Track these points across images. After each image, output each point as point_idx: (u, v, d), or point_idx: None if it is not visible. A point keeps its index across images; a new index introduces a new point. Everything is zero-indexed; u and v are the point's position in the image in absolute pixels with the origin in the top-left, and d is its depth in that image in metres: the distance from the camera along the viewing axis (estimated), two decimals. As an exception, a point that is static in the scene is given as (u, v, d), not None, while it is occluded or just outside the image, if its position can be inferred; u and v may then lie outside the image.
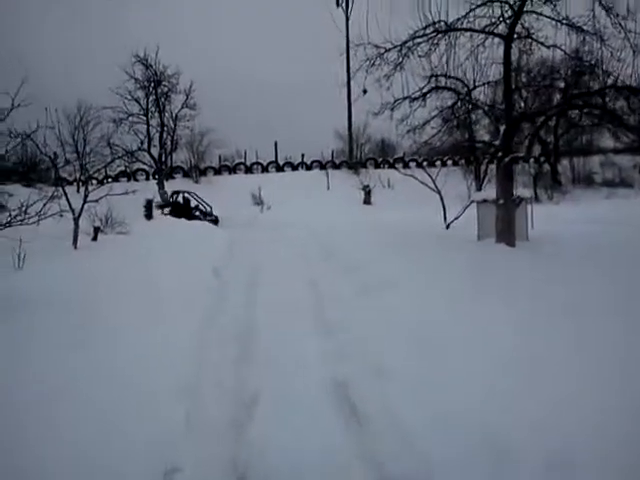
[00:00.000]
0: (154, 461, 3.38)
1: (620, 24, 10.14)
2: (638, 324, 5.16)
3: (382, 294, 6.83)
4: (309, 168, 34.04)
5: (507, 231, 10.69)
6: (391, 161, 32.62)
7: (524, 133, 14.94)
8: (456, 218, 14.97)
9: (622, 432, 3.41)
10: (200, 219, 20.69)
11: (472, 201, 13.51)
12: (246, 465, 3.45)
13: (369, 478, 3.30)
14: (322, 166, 33.38)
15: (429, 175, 17.73)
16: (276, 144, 34.03)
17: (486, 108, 12.32)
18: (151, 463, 3.36)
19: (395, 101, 12.00)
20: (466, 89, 12.16)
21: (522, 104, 16.75)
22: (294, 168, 34.11)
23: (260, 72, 39.76)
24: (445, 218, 16.08)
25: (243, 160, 34.08)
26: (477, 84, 12.13)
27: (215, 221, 20.64)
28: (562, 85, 14.81)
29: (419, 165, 27.79)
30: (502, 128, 11.17)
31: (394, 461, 3.39)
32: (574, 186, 29.24)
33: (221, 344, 5.62)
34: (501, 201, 10.89)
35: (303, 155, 34.18)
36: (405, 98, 11.96)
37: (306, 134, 34.63)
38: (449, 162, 31.17)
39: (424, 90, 11.94)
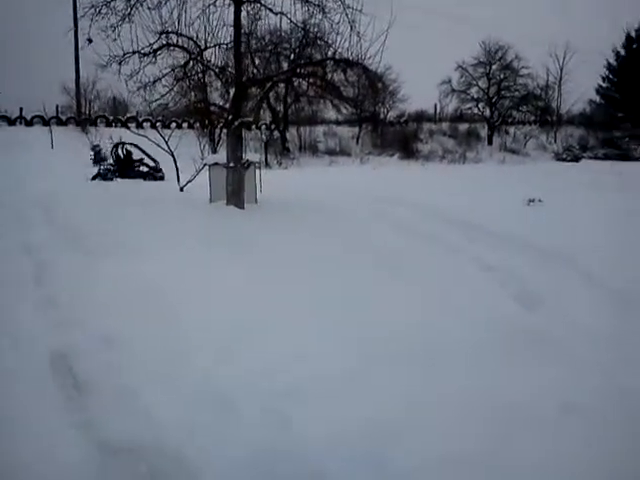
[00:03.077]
0: None
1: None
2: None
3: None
4: (29, 124, 30.47)
5: (237, 194, 11.02)
6: (123, 120, 30.98)
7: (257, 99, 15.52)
8: (189, 181, 14.92)
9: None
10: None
11: (205, 164, 13.54)
12: None
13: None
14: (45, 122, 30.16)
15: (162, 136, 17.25)
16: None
17: (217, 70, 12.38)
18: None
19: (124, 55, 11.34)
20: (198, 49, 12.03)
21: (254, 70, 17.30)
22: (11, 123, 30.19)
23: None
24: (178, 180, 15.89)
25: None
26: (209, 45, 12.10)
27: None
28: (290, 54, 15.68)
29: (153, 126, 26.87)
30: (232, 92, 11.39)
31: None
32: (301, 153, 31.42)
33: None
34: (231, 164, 11.14)
35: (22, 109, 30.40)
36: (134, 52, 11.33)
37: (27, 87, 30.88)
38: (184, 125, 30.85)
39: (154, 46, 11.48)
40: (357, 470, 2.91)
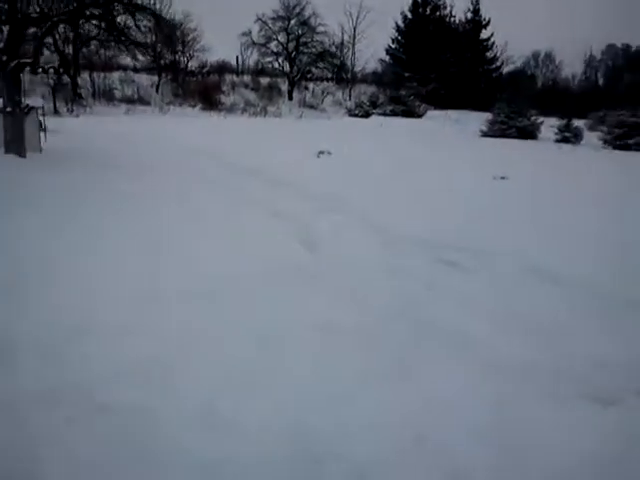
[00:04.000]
0: None
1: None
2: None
3: None
4: None
5: (17, 141, 10.32)
6: None
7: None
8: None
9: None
10: None
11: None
12: None
13: None
14: None
15: None
16: None
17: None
18: None
19: None
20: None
21: (36, 8, 15.83)
22: None
23: None
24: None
25: None
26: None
27: None
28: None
29: None
30: (6, 29, 10.49)
31: None
32: (95, 100, 29.58)
33: None
34: (9, 109, 10.37)
35: None
36: None
37: None
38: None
39: None
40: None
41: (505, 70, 46.75)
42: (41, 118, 12.07)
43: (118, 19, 12.52)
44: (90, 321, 3.55)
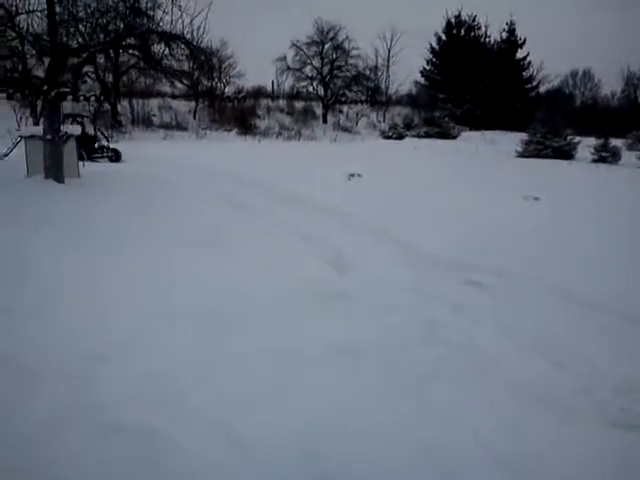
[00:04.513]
0: None
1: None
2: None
3: None
4: None
5: (55, 167, 10.68)
6: None
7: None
8: (5, 155, 14.12)
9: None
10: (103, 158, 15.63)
11: (20, 136, 12.88)
12: None
13: None
14: None
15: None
16: None
17: (30, 38, 11.79)
18: None
19: None
20: (8, 15, 11.35)
21: (79, 39, 16.52)
22: None
23: None
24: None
25: None
26: (20, 11, 11.48)
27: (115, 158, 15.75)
28: (114, 25, 15.19)
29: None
30: (47, 61, 10.94)
31: None
32: (134, 127, 30.42)
33: None
34: (48, 137, 10.76)
35: None
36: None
37: None
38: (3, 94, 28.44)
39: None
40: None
41: (542, 89, 46.37)
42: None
43: (154, 48, 12.94)
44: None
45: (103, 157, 16.45)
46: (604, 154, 22.23)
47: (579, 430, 2.97)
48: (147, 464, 2.56)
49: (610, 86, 56.70)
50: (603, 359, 3.73)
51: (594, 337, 4.10)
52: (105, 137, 17.44)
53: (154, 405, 3.03)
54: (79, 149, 14.31)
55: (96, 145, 16.80)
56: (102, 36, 16.80)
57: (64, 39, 11.02)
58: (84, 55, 10.91)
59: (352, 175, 14.35)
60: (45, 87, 10.88)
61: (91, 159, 15.59)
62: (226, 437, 2.80)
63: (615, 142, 23.19)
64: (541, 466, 2.70)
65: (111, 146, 17.10)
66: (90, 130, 17.57)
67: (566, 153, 23.46)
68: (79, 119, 17.73)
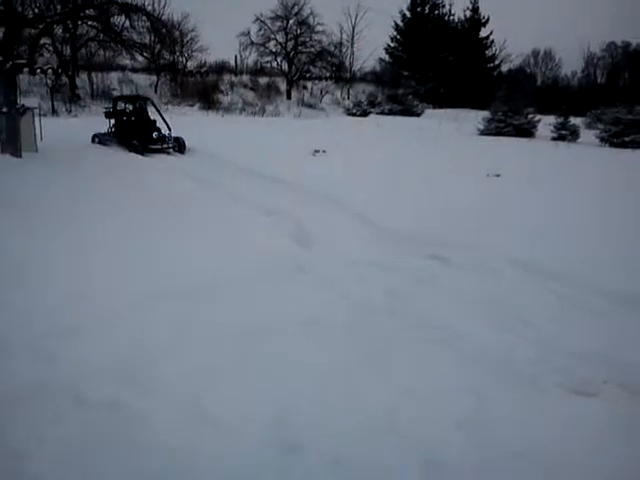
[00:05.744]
0: None
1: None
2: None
3: None
4: None
5: (12, 141, 10.41)
6: None
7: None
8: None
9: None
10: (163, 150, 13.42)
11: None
12: None
13: None
14: None
15: None
16: None
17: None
18: None
19: None
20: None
21: (34, 10, 15.94)
22: None
23: None
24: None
25: None
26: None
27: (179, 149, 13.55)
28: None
29: None
30: (1, 31, 10.58)
31: None
32: (93, 101, 29.60)
33: None
34: (4, 109, 10.45)
35: None
36: None
37: None
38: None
39: None
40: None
41: (504, 68, 46.86)
42: (37, 119, 12.12)
43: (114, 20, 12.63)
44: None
45: (163, 149, 13.66)
46: (563, 132, 22.67)
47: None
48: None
49: (570, 66, 57.72)
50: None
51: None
52: (166, 123, 14.11)
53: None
54: (132, 140, 13.14)
55: (154, 135, 13.75)
56: (59, 7, 16.34)
57: (19, 9, 10.61)
58: (41, 26, 10.56)
59: (317, 151, 14.37)
60: (0, 59, 10.53)
61: (148, 151, 13.24)
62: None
63: (574, 121, 23.66)
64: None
65: (173, 134, 13.95)
66: (152, 116, 14.87)
67: (527, 131, 23.84)
68: (141, 102, 15.21)
